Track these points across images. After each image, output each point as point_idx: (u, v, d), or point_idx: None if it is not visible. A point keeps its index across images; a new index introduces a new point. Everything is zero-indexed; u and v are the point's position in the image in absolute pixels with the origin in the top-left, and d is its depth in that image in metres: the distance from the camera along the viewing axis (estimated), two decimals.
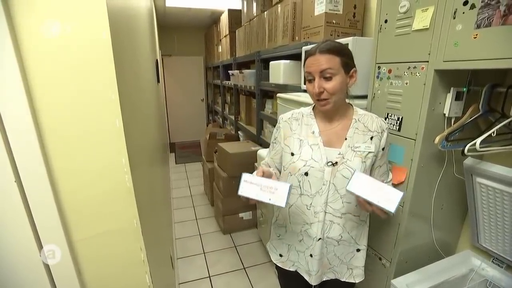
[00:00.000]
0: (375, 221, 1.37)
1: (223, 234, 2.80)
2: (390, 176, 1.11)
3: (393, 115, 1.21)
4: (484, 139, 0.96)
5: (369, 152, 1.00)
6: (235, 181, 2.63)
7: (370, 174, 1.05)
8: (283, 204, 0.83)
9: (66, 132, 0.66)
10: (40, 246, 0.67)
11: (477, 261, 1.24)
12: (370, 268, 1.43)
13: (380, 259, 1.37)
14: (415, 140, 1.12)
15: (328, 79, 0.92)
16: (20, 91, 0.59)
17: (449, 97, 1.05)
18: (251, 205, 2.77)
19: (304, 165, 1.00)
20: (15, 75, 0.59)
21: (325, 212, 1.01)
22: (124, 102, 0.73)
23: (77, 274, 0.73)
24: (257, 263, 2.37)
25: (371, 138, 1.01)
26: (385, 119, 1.25)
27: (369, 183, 0.84)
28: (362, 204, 0.88)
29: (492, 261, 1.24)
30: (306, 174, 1.00)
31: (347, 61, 0.95)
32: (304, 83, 1.06)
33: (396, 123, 1.19)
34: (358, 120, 1.03)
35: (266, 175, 0.93)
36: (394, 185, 1.23)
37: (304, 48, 1.73)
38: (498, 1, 0.80)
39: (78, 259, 0.74)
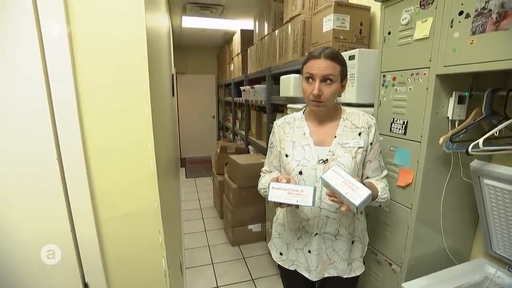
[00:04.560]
0: (383, 225, 1.39)
1: (232, 246, 2.80)
2: (384, 173, 1.14)
3: (398, 120, 1.27)
4: (489, 141, 1.00)
5: (359, 148, 1.05)
6: (245, 192, 2.68)
7: (362, 170, 1.10)
8: (310, 204, 0.89)
9: (102, 116, 0.76)
10: (72, 221, 0.75)
11: (491, 269, 1.22)
12: (380, 274, 1.43)
13: (390, 264, 1.38)
14: (420, 142, 1.17)
15: (328, 84, 1.00)
16: (69, 78, 0.70)
17: (452, 100, 1.11)
18: (260, 217, 2.79)
19: (297, 165, 1.06)
20: (67, 67, 0.69)
21: (320, 208, 1.06)
22: (153, 93, 0.82)
23: (100, 253, 0.79)
24: (265, 275, 2.36)
25: (359, 134, 1.07)
26: (391, 124, 1.30)
27: (344, 177, 0.88)
28: (330, 196, 0.92)
29: (508, 268, 1.22)
30: (301, 173, 1.06)
31: (345, 72, 1.04)
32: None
33: (402, 127, 1.25)
34: (346, 118, 1.10)
35: (289, 180, 0.99)
36: (402, 187, 1.26)
37: None
38: (490, 10, 0.88)
39: (103, 238, 0.80)
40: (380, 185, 1.09)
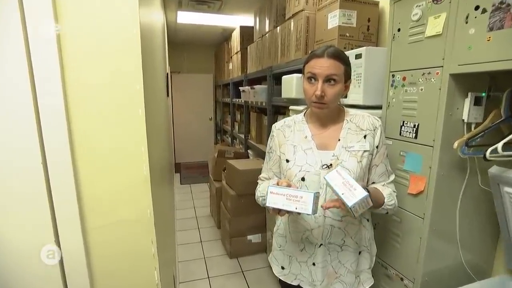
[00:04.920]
0: (393, 236, 1.37)
1: (230, 258, 2.78)
2: (391, 178, 1.14)
3: (408, 123, 1.26)
4: (509, 146, 0.99)
5: (365, 151, 1.05)
6: (244, 200, 2.67)
7: (368, 175, 1.10)
8: (309, 212, 0.88)
9: (91, 119, 0.76)
10: (56, 231, 0.74)
11: None
12: None
13: (401, 279, 1.36)
14: (432, 146, 1.16)
15: (331, 84, 1.00)
16: (56, 78, 0.70)
17: (467, 102, 1.10)
18: (260, 227, 2.78)
19: (299, 171, 1.06)
20: (54, 66, 0.69)
21: (325, 217, 1.05)
22: (146, 94, 0.82)
23: (87, 265, 0.78)
24: None
25: (365, 136, 1.07)
26: (401, 127, 1.30)
27: (345, 178, 0.89)
28: (326, 208, 0.94)
29: None
30: (303, 179, 1.05)
31: (349, 72, 1.05)
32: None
33: (412, 130, 1.24)
34: (350, 120, 1.10)
35: (290, 185, 0.98)
36: (413, 195, 1.25)
37: None
38: (508, 4, 0.88)
39: (90, 249, 0.79)
40: (387, 191, 1.09)
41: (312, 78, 1.02)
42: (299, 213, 0.93)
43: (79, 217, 0.75)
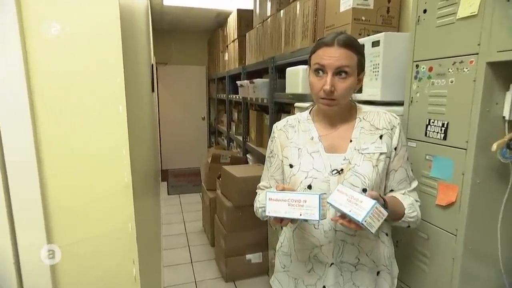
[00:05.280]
0: (419, 256, 1.35)
1: (225, 281, 2.76)
2: (413, 185, 1.13)
3: (436, 121, 1.25)
4: None
5: (381, 154, 1.05)
6: (243, 213, 2.65)
7: (386, 181, 1.10)
8: (316, 217, 0.88)
9: (63, 116, 0.75)
10: (16, 251, 0.71)
11: None
12: None
13: None
14: (466, 149, 1.14)
15: (343, 77, 0.99)
16: (18, 67, 0.68)
17: (509, 96, 1.09)
18: (261, 245, 2.75)
19: (306, 177, 1.05)
20: (16, 53, 0.67)
21: (335, 230, 1.04)
22: (128, 88, 0.82)
23: None
24: None
25: (381, 136, 1.06)
26: (427, 126, 1.28)
27: (348, 194, 0.90)
28: (337, 221, 0.94)
29: None
30: (310, 187, 1.05)
31: (363, 62, 1.05)
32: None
33: (441, 130, 1.23)
34: (363, 118, 1.10)
35: (289, 189, 0.98)
36: (442, 207, 1.23)
37: None
38: None
39: (58, 272, 0.77)
40: (408, 201, 1.08)
41: (320, 70, 1.01)
42: (305, 220, 0.93)
43: (45, 234, 0.73)
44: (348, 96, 1.05)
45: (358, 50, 1.02)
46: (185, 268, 3.00)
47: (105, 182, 0.81)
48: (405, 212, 1.04)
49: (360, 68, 1.03)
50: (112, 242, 0.82)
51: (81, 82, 0.76)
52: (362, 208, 0.85)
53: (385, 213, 0.88)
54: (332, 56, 0.98)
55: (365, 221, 0.84)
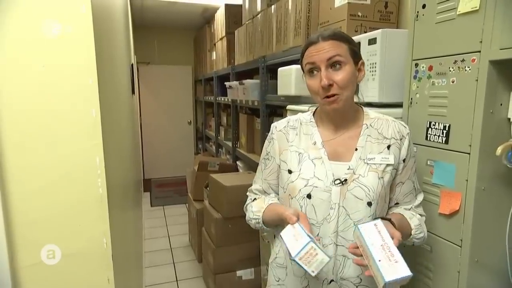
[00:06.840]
0: (422, 269, 1.35)
1: None
2: (419, 198, 1.14)
3: (437, 124, 1.26)
4: None
5: (387, 165, 1.05)
6: (232, 225, 2.63)
7: (390, 194, 1.10)
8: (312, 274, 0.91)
9: (28, 120, 0.74)
10: None
11: None
12: None
13: None
14: (469, 154, 1.15)
15: (337, 69, 1.00)
16: None
17: None
18: (253, 260, 2.74)
19: (305, 185, 1.05)
20: None
21: (336, 245, 1.04)
22: (103, 89, 0.81)
23: None
24: None
25: (388, 147, 1.07)
26: (427, 129, 1.29)
27: (385, 240, 0.88)
28: (353, 249, 0.94)
29: None
30: (309, 196, 1.04)
31: (355, 50, 1.06)
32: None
33: (442, 133, 1.24)
34: (371, 125, 1.10)
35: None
36: (446, 216, 1.24)
37: None
38: None
39: None
40: (415, 221, 1.09)
41: (313, 69, 1.03)
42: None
43: (6, 253, 0.71)
44: (350, 87, 1.03)
45: (346, 39, 1.04)
46: (170, 287, 2.97)
47: (75, 193, 0.80)
48: (412, 233, 1.06)
49: (354, 55, 1.04)
50: (84, 260, 0.81)
51: (48, 83, 0.75)
52: (395, 271, 0.83)
53: (406, 281, 0.86)
54: (320, 50, 1.00)
55: (388, 284, 0.82)
